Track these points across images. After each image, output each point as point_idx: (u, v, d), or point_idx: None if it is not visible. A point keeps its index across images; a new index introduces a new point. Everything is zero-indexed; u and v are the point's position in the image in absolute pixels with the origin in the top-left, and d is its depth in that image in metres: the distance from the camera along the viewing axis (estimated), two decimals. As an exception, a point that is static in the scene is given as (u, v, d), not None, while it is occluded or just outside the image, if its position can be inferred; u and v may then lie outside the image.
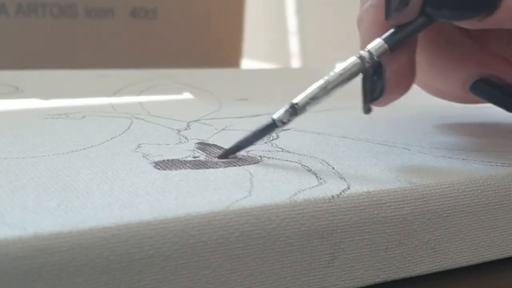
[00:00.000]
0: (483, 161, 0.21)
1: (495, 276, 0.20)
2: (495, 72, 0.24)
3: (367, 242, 0.18)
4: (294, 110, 0.20)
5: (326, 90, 0.20)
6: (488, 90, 0.23)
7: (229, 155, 0.21)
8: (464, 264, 0.19)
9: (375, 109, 0.22)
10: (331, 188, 0.18)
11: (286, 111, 0.20)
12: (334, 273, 0.17)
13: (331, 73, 0.20)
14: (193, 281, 0.15)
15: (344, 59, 0.21)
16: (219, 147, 0.21)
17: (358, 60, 0.20)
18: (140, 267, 0.15)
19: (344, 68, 0.20)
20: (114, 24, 0.49)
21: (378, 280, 0.18)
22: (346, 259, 0.17)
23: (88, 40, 0.48)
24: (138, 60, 0.50)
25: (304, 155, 0.21)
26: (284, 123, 0.20)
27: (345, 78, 0.20)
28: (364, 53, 0.20)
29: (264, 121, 0.20)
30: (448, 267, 0.19)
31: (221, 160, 0.20)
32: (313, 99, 0.20)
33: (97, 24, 0.48)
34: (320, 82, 0.20)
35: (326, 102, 0.20)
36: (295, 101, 0.20)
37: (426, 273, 0.19)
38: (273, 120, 0.20)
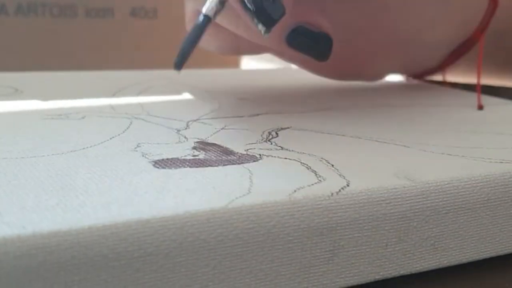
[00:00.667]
0: (482, 158, 0.21)
1: (495, 273, 0.20)
2: (309, 21, 0.25)
3: (366, 239, 0.18)
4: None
5: None
6: (302, 39, 0.25)
7: (184, 61, 0.22)
8: (464, 260, 0.19)
9: (375, 109, 0.22)
10: (330, 185, 0.18)
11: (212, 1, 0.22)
12: (334, 270, 0.17)
13: None
14: (192, 279, 0.15)
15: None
16: (219, 146, 0.21)
17: None
18: (139, 265, 0.15)
19: None
20: (114, 24, 0.49)
21: (378, 277, 0.18)
22: (346, 256, 0.17)
23: (88, 40, 0.48)
24: (138, 60, 0.50)
25: (303, 153, 0.21)
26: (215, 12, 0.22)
27: None
28: None
29: (197, 20, 0.22)
30: (448, 264, 0.19)
31: (220, 157, 0.20)
32: None
33: (97, 24, 0.48)
34: None
35: (326, 102, 0.20)
36: None
37: (426, 270, 0.19)
38: (204, 15, 0.22)
